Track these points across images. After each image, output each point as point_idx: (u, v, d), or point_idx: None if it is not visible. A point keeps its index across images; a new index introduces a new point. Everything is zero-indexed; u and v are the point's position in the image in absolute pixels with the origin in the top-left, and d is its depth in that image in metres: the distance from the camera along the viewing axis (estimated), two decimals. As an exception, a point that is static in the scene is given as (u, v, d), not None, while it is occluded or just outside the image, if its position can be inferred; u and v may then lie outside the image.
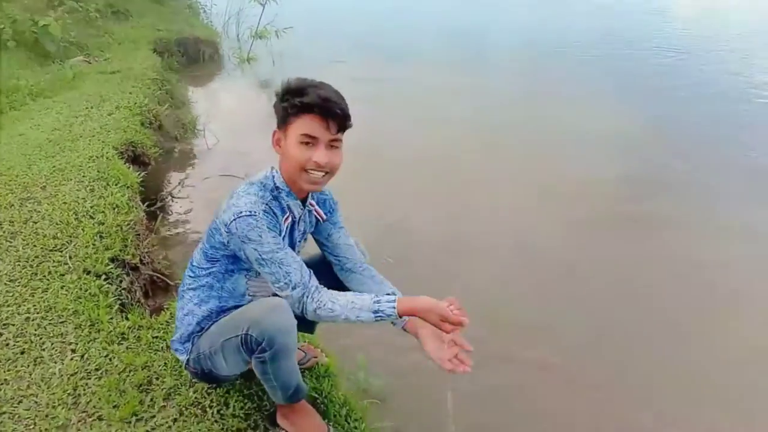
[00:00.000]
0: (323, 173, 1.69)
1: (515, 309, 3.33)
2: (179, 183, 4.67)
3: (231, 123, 6.30)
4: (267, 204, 1.70)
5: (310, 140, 1.65)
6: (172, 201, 4.42)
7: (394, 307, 1.63)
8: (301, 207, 1.84)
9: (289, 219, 1.81)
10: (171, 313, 2.48)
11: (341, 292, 1.72)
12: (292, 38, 8.89)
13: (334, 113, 1.64)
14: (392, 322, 1.76)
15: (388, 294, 1.70)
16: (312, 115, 1.63)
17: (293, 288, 1.66)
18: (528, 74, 8.51)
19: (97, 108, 4.83)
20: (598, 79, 8.27)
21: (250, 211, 1.63)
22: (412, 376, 2.73)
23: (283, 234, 1.78)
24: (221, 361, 1.81)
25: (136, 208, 3.45)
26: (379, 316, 1.64)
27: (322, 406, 2.17)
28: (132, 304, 2.82)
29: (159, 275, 3.30)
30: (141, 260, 3.22)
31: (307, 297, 1.67)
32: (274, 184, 1.75)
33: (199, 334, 1.89)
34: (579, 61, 9.26)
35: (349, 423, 2.17)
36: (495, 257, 3.92)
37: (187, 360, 1.92)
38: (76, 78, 5.71)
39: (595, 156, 5.56)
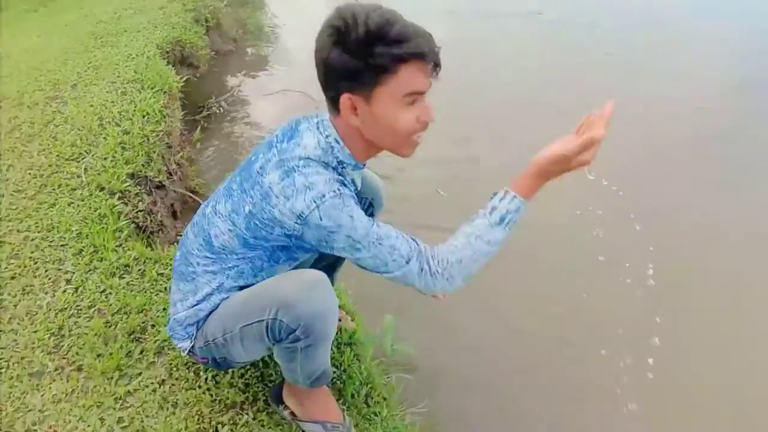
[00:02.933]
0: None
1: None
2: (230, 92, 4.28)
3: (302, 25, 5.76)
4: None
5: (416, 98, 1.22)
6: (220, 111, 4.05)
7: (515, 197, 1.27)
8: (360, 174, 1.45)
9: None
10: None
11: (449, 238, 1.32)
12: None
13: (438, 58, 1.21)
14: None
15: (495, 195, 1.31)
16: (415, 66, 1.17)
17: (407, 261, 1.26)
18: None
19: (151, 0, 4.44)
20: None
21: (334, 191, 1.21)
22: (447, 347, 2.34)
23: None
24: (239, 350, 1.40)
25: (170, 116, 3.10)
26: (510, 219, 1.28)
27: (338, 383, 1.81)
28: (152, 228, 2.54)
29: (190, 194, 3.00)
30: (170, 175, 2.92)
31: (428, 263, 1.27)
32: (337, 159, 1.29)
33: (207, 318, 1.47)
34: None
35: (368, 406, 1.81)
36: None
37: (191, 347, 1.49)
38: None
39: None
